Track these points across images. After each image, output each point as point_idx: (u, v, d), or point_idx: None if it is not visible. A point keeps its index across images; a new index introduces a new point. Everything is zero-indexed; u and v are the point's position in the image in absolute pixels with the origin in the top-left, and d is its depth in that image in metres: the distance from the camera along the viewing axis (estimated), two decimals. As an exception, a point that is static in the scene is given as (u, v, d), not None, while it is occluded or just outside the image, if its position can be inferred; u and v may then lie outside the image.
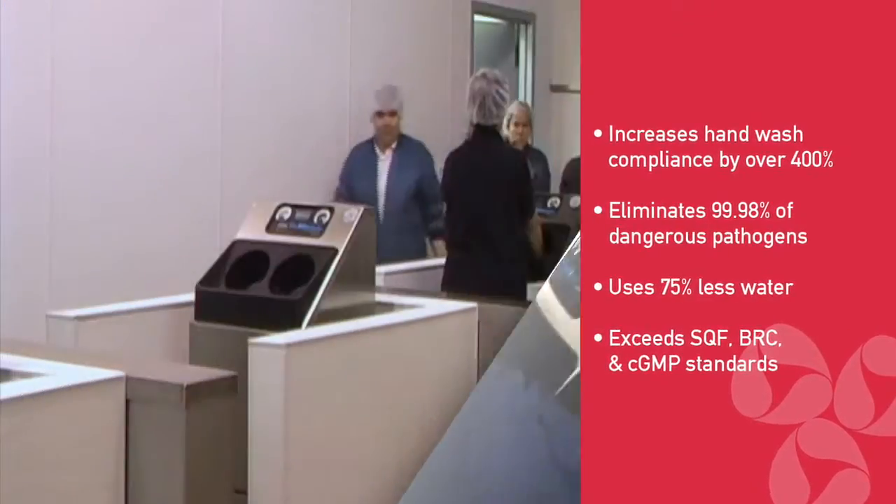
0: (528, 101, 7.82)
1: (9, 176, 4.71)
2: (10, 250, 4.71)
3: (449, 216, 5.16)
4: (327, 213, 3.66)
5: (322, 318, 3.43)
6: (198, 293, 3.60)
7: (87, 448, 2.62)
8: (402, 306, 3.78)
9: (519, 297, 4.44)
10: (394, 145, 6.32)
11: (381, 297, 3.74)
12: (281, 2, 6.00)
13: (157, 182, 5.35)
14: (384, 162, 6.30)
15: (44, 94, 4.88)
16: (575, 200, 5.13)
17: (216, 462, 2.74)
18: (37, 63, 4.84)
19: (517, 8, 7.70)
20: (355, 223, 3.60)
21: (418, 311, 3.74)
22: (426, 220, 6.28)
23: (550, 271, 4.89)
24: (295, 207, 3.72)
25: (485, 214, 4.95)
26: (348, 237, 3.57)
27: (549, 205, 5.24)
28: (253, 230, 3.72)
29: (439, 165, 5.80)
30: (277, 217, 3.72)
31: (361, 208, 3.67)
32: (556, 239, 5.02)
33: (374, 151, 6.36)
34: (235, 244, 3.71)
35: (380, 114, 6.30)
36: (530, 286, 4.42)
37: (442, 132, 6.64)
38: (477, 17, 7.33)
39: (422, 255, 5.92)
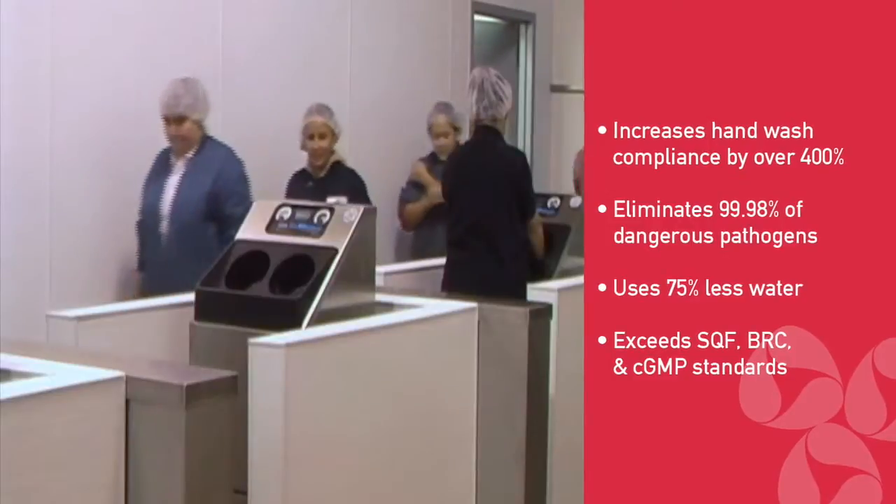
0: (528, 101, 7.80)
1: (9, 176, 4.69)
2: (10, 250, 4.69)
3: (449, 216, 5.11)
4: (327, 213, 3.62)
5: (322, 318, 3.40)
6: (198, 293, 3.57)
7: (87, 448, 2.59)
8: (402, 306, 3.75)
9: (519, 297, 4.39)
10: (190, 153, 5.05)
11: (381, 297, 3.70)
12: (281, 2, 5.97)
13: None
14: (175, 175, 5.05)
15: (44, 94, 4.84)
16: (575, 200, 5.09)
17: (216, 462, 2.71)
18: (37, 62, 4.80)
19: (517, 8, 7.68)
20: (355, 223, 3.57)
21: (418, 311, 3.72)
22: (224, 246, 4.72)
23: (551, 272, 4.89)
24: (295, 207, 3.69)
25: (485, 214, 4.91)
26: (348, 237, 3.54)
27: (549, 205, 5.20)
28: (253, 230, 3.70)
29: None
30: (277, 217, 3.68)
31: (361, 208, 3.63)
32: (556, 239, 4.97)
33: (168, 161, 5.11)
34: (235, 244, 3.69)
35: (165, 120, 5.01)
36: (531, 286, 4.37)
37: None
38: (477, 17, 7.30)
39: None
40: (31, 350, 2.94)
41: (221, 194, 4.94)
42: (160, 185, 5.03)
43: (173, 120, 4.97)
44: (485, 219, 4.90)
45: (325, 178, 5.56)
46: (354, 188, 5.40)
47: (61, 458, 2.54)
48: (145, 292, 4.88)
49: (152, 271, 5.03)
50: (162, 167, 5.08)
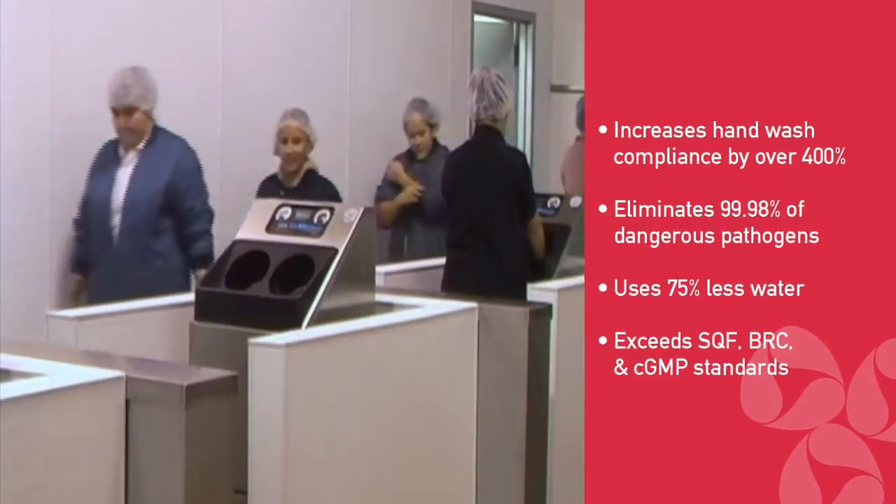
0: (528, 101, 7.79)
1: (9, 175, 4.68)
2: (10, 250, 4.67)
3: (449, 216, 5.09)
4: (327, 213, 3.61)
5: (322, 318, 3.38)
6: (198, 293, 3.56)
7: (87, 448, 2.58)
8: (402, 306, 3.74)
9: (519, 297, 4.38)
10: (141, 145, 4.83)
11: (381, 297, 3.69)
12: (281, 2, 5.96)
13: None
14: (126, 167, 4.82)
15: (44, 94, 4.83)
16: (575, 200, 5.07)
17: (216, 462, 2.70)
18: (37, 63, 4.79)
19: (517, 8, 7.68)
20: (355, 223, 3.55)
21: (418, 311, 3.71)
22: (184, 243, 4.85)
23: (551, 272, 4.88)
24: (295, 207, 3.68)
25: (484, 214, 4.89)
26: (348, 237, 3.52)
27: (549, 205, 5.18)
28: (253, 230, 3.68)
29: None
30: (277, 217, 3.67)
31: (361, 208, 3.62)
32: (556, 239, 4.96)
33: (117, 153, 4.87)
34: (235, 244, 3.67)
35: (113, 111, 4.79)
36: (531, 286, 4.35)
37: (442, 132, 6.58)
38: (477, 17, 7.29)
39: (178, 289, 4.30)
40: (31, 350, 2.93)
41: (180, 187, 4.76)
42: (109, 177, 4.78)
43: (122, 111, 4.76)
44: (484, 219, 4.89)
45: (298, 188, 5.28)
46: (322, 196, 4.97)
47: (61, 458, 2.53)
48: (92, 296, 4.66)
49: (102, 271, 4.78)
50: (109, 160, 4.84)
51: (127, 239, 4.74)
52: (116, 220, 4.75)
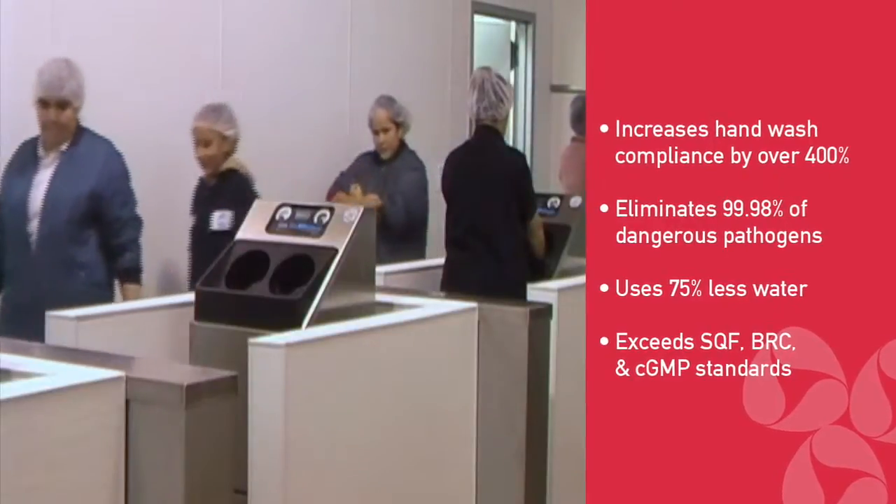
0: (528, 101, 7.78)
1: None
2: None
3: (448, 215, 5.07)
4: (327, 213, 3.60)
5: (322, 318, 3.37)
6: (198, 293, 3.54)
7: (87, 448, 2.58)
8: (402, 306, 3.72)
9: (519, 297, 4.36)
10: (64, 146, 4.42)
11: (381, 297, 3.68)
12: (281, 2, 5.95)
13: (157, 182, 5.28)
14: (46, 170, 4.41)
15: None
16: (575, 200, 5.06)
17: (216, 462, 2.69)
18: (37, 63, 4.75)
19: (517, 8, 7.68)
20: (355, 223, 3.54)
21: (418, 311, 3.70)
22: (110, 254, 4.47)
23: (551, 272, 4.86)
24: (295, 207, 3.66)
25: (484, 214, 4.87)
26: (348, 237, 3.51)
27: (549, 205, 5.16)
28: (253, 230, 3.67)
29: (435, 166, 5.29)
30: (277, 217, 3.66)
31: (361, 208, 3.61)
32: (556, 239, 4.94)
33: (35, 153, 4.47)
34: (235, 244, 3.66)
35: (43, 103, 4.38)
36: (531, 286, 4.33)
37: (442, 132, 6.58)
38: (477, 17, 7.29)
39: (101, 300, 4.02)
40: (31, 350, 2.93)
41: (106, 194, 4.38)
42: (27, 180, 4.38)
43: (55, 104, 4.35)
44: (484, 218, 4.87)
45: (214, 188, 4.95)
46: (237, 200, 4.66)
47: (61, 458, 2.52)
48: (7, 309, 4.35)
49: (20, 283, 4.40)
50: (27, 160, 4.43)
51: (46, 247, 4.36)
52: (33, 225, 4.37)
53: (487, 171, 4.91)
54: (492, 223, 4.86)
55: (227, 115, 4.99)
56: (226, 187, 4.86)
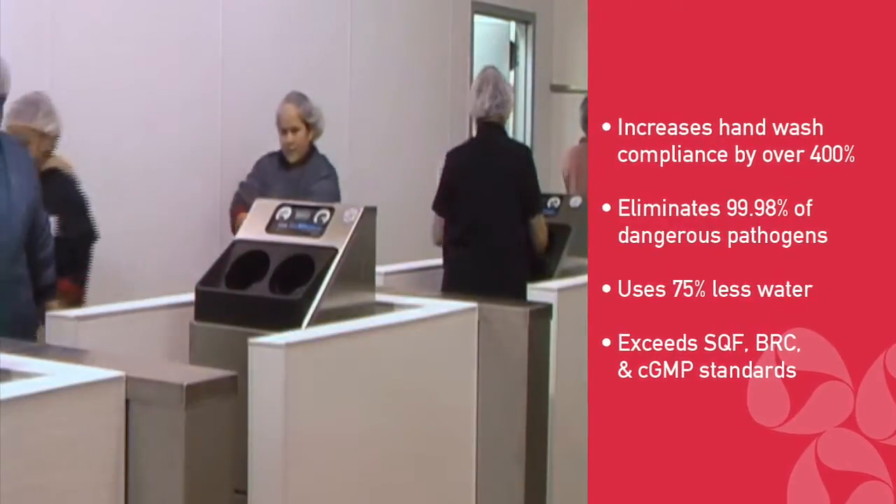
0: (528, 101, 7.76)
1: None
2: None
3: (450, 213, 5.01)
4: (327, 213, 3.59)
5: (322, 318, 3.36)
6: (198, 293, 3.53)
7: (87, 448, 2.57)
8: (402, 306, 3.71)
9: (519, 296, 4.33)
10: None
11: (381, 297, 3.67)
12: (280, 3, 5.93)
13: (157, 182, 5.29)
14: None
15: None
16: (575, 200, 5.03)
17: (216, 462, 2.69)
18: (37, 63, 4.76)
19: (517, 8, 7.67)
20: (355, 223, 3.53)
21: (418, 311, 3.68)
22: (35, 270, 3.75)
23: (551, 272, 4.83)
24: (295, 207, 3.65)
25: (487, 210, 4.82)
26: (348, 237, 3.50)
27: (549, 205, 5.13)
28: (253, 230, 3.66)
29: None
30: (277, 217, 3.64)
31: (361, 208, 3.59)
32: (556, 239, 4.91)
33: None
34: (235, 244, 3.65)
35: None
36: (531, 286, 4.31)
37: (441, 132, 6.55)
38: (477, 17, 7.29)
39: (33, 326, 3.59)
40: (31, 350, 2.92)
41: (37, 204, 3.73)
42: None
43: None
44: (486, 216, 4.83)
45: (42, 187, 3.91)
46: (61, 203, 4.27)
47: (61, 458, 2.51)
48: None
49: None
50: None
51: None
52: None
53: (493, 165, 4.86)
54: (494, 219, 4.81)
55: (46, 108, 4.37)
56: (47, 190, 4.00)
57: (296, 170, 5.20)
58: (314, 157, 5.27)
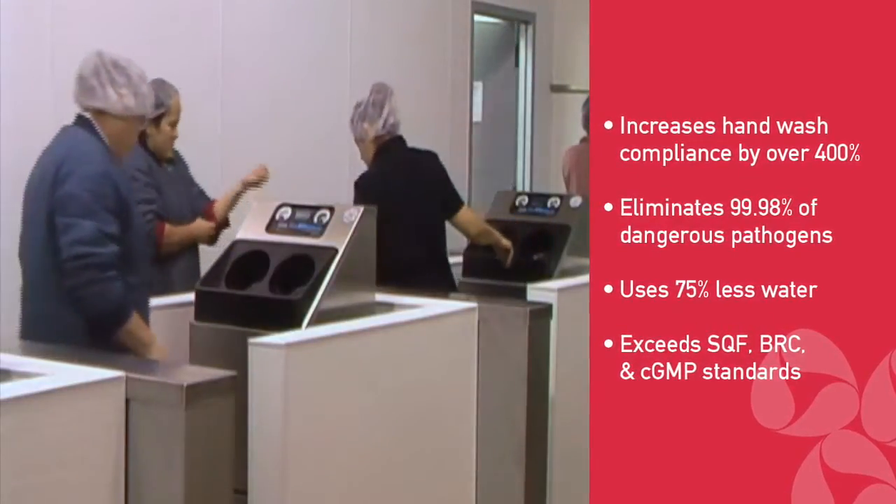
0: (528, 101, 7.73)
1: (9, 176, 4.62)
2: (10, 250, 4.62)
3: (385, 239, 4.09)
4: (327, 213, 3.58)
5: (322, 318, 3.34)
6: (198, 293, 3.52)
7: (87, 448, 2.58)
8: (402, 306, 3.70)
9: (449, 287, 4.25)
10: None
11: (381, 297, 3.65)
12: (280, 3, 5.91)
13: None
14: None
15: (45, 94, 4.76)
16: (575, 200, 4.99)
17: (216, 462, 2.69)
18: (37, 64, 4.73)
19: (517, 8, 7.65)
20: (355, 223, 3.52)
21: (418, 311, 3.67)
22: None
23: (550, 272, 4.80)
24: (295, 207, 3.64)
25: (419, 218, 4.55)
26: (348, 237, 3.49)
27: (549, 205, 5.09)
28: (253, 230, 3.64)
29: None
30: (277, 217, 3.63)
31: (361, 208, 3.58)
32: (556, 239, 4.88)
33: None
34: (235, 244, 3.63)
35: None
36: (531, 287, 4.28)
37: (441, 132, 6.53)
38: (477, 17, 7.26)
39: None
40: (31, 350, 2.95)
41: None
42: None
43: None
44: (419, 223, 4.55)
45: None
46: None
47: (61, 458, 2.51)
48: None
49: None
50: None
51: None
52: None
53: (409, 180, 4.59)
54: (426, 224, 4.57)
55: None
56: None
57: (174, 169, 4.49)
58: (179, 157, 4.60)
